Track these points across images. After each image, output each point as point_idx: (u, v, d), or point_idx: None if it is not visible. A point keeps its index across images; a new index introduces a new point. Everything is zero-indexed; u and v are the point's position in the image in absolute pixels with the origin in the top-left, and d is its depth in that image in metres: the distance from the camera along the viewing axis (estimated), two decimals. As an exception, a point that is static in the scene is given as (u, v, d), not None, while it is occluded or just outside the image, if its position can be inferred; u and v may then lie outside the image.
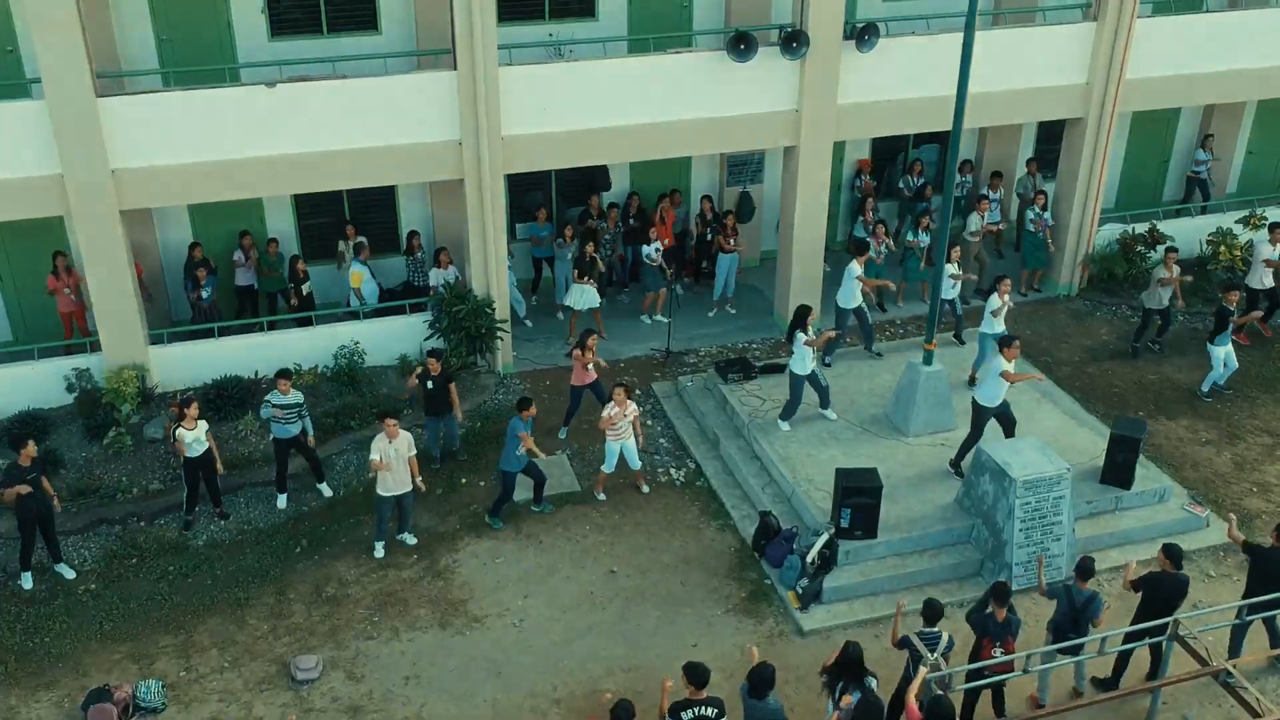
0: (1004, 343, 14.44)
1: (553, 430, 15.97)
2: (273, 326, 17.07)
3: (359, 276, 17.59)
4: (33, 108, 14.45)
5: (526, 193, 19.17)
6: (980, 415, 14.43)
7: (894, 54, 17.23)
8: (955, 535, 13.82)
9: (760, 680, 10.10)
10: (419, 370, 15.05)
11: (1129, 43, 18.12)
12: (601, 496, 14.94)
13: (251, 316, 17.56)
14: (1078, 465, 14.37)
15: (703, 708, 9.99)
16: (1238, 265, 19.78)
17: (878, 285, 17.76)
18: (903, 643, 10.86)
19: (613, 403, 14.36)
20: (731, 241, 18.81)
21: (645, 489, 15.08)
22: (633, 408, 14.53)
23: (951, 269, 17.19)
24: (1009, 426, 14.61)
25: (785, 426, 15.47)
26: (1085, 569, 11.44)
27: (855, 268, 16.78)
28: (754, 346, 18.39)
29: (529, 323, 18.84)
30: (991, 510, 13.48)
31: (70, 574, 13.58)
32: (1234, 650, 12.26)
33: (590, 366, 15.46)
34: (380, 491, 13.59)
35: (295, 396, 14.36)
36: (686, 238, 19.99)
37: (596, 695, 11.65)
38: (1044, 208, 19.56)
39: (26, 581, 13.42)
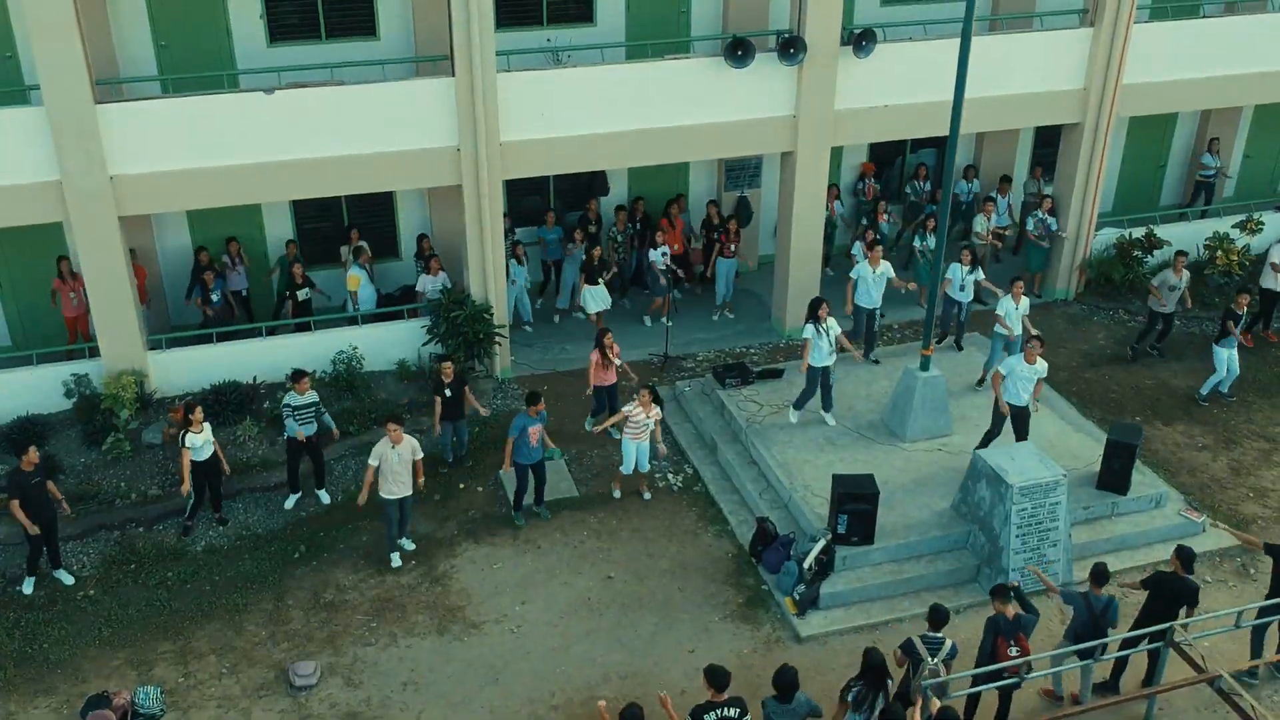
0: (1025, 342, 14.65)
1: (561, 432, 15.98)
2: (271, 332, 17.08)
3: (356, 280, 17.61)
4: (32, 114, 14.47)
5: (524, 198, 19.20)
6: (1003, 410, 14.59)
7: (891, 60, 17.26)
8: (952, 541, 13.85)
9: (785, 682, 10.13)
10: (435, 398, 15.07)
11: (1125, 48, 18.16)
12: (618, 494, 15.00)
13: (244, 322, 17.57)
14: (1074, 471, 14.42)
15: (726, 709, 10.00)
16: (1234, 270, 19.80)
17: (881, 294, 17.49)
18: (905, 645, 10.87)
19: (634, 402, 14.38)
20: (732, 247, 18.85)
21: (647, 495, 15.10)
22: (656, 411, 14.51)
23: (965, 270, 17.23)
24: (1022, 431, 14.66)
25: (794, 418, 15.55)
26: (1100, 575, 11.45)
27: (865, 268, 16.78)
28: (751, 351, 18.42)
29: (529, 328, 18.87)
30: (988, 516, 13.50)
31: (69, 580, 13.59)
32: (1256, 652, 12.33)
33: (620, 362, 15.57)
34: (383, 495, 13.61)
35: (311, 396, 14.43)
36: (689, 243, 20.02)
37: (595, 702, 11.65)
38: (1050, 212, 19.59)
39: (28, 587, 13.45)
